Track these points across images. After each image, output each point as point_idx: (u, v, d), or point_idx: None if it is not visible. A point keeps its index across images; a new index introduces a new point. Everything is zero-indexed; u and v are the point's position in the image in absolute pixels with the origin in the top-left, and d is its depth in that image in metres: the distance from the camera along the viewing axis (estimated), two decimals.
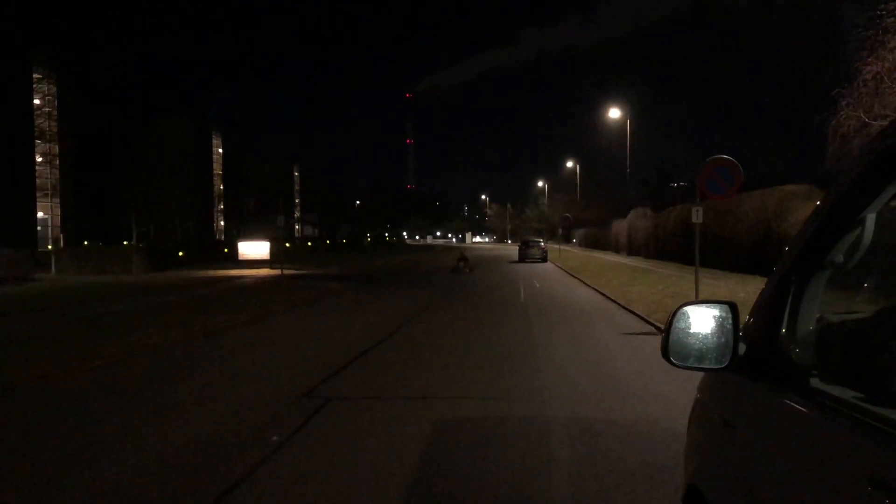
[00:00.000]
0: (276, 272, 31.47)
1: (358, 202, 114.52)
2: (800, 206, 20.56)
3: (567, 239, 77.13)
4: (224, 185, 78.12)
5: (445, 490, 4.60)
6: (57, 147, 48.76)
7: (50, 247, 45.34)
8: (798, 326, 1.83)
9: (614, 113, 52.65)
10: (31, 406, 7.43)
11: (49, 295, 21.47)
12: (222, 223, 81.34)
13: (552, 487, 4.62)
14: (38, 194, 50.95)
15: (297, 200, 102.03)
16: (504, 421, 6.34)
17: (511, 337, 11.75)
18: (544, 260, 41.92)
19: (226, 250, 47.41)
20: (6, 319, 15.03)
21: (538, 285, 24.05)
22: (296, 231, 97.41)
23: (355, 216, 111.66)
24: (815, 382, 1.66)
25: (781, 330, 1.85)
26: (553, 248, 52.12)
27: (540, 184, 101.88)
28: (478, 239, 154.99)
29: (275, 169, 77.17)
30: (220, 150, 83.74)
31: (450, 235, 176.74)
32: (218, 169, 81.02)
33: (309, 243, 76.44)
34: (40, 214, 52.09)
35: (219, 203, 77.83)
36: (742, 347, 1.99)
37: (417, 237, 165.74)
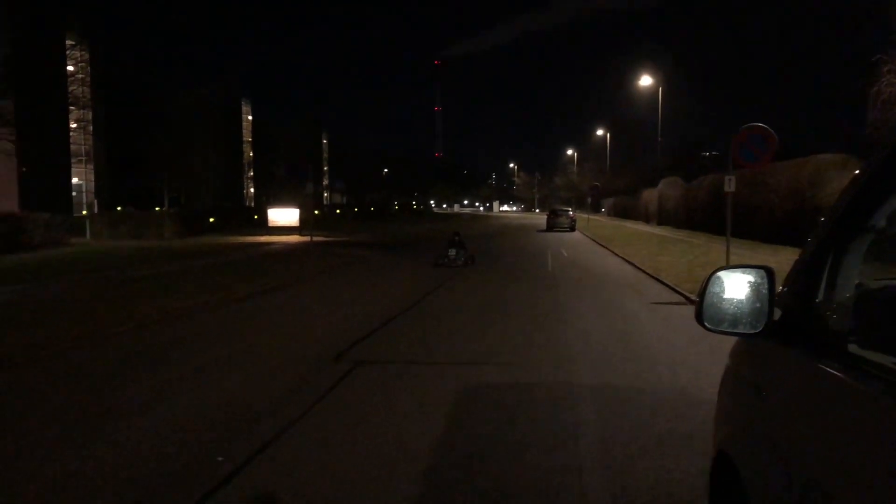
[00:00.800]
0: (306, 239, 31.72)
1: (386, 170, 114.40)
2: (835, 176, 20.11)
3: (596, 208, 76.51)
4: (253, 152, 78.54)
5: (474, 453, 4.66)
6: (90, 113, 49.28)
7: (84, 212, 46.15)
8: (836, 292, 1.80)
9: (646, 80, 51.66)
10: (68, 366, 7.65)
11: (84, 259, 21.91)
12: (252, 190, 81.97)
13: (580, 453, 4.65)
14: (72, 160, 51.74)
15: (325, 168, 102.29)
16: (532, 387, 6.39)
17: (539, 304, 11.76)
18: (572, 229, 41.68)
19: (255, 217, 47.84)
20: (42, 283, 15.40)
21: (566, 254, 23.96)
22: (324, 198, 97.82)
23: (383, 184, 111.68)
24: (853, 348, 1.65)
25: (818, 296, 1.83)
26: (581, 217, 51.77)
27: (569, 152, 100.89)
28: (505, 208, 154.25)
29: (304, 136, 77.38)
30: (250, 118, 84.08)
31: (477, 204, 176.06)
32: (247, 136, 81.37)
33: (337, 211, 76.87)
34: (75, 180, 52.93)
35: (248, 170, 78.31)
36: (777, 313, 1.98)
37: (445, 206, 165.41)
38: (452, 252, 18.68)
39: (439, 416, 5.47)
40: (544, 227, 43.83)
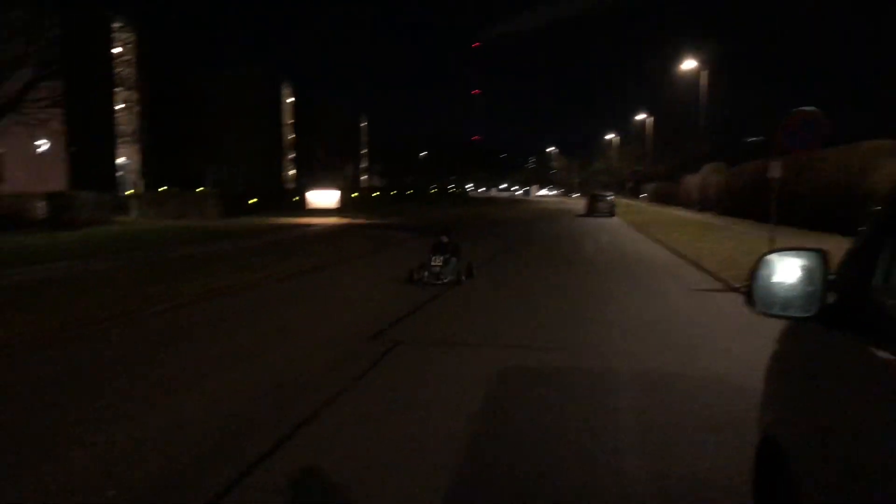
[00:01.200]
0: (345, 221, 31.99)
1: (423, 153, 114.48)
2: (887, 162, 19.53)
3: (635, 193, 75.56)
4: (294, 135, 79.28)
5: (512, 433, 4.68)
6: (136, 94, 50.16)
7: (130, 191, 47.14)
8: (893, 277, 1.77)
9: (689, 64, 50.58)
10: (117, 341, 7.86)
11: (129, 238, 22.43)
12: (292, 172, 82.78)
13: (618, 438, 4.64)
14: (118, 140, 52.82)
15: (363, 151, 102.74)
16: (570, 371, 6.38)
17: (577, 290, 11.69)
18: (612, 214, 41.17)
19: (295, 199, 48.31)
20: (90, 260, 15.82)
21: (605, 239, 23.75)
22: (362, 181, 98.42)
23: (420, 167, 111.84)
24: None
25: (875, 281, 1.79)
26: (621, 202, 51.18)
27: (609, 136, 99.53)
28: (544, 192, 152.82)
29: (343, 119, 77.84)
30: (290, 100, 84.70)
31: (514, 188, 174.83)
32: (288, 118, 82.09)
33: (375, 193, 77.20)
34: (121, 160, 54.06)
35: (289, 152, 79.11)
36: (830, 297, 1.94)
37: (482, 189, 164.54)
38: (437, 261, 12.02)
39: (478, 397, 5.50)
40: (583, 211, 43.46)
